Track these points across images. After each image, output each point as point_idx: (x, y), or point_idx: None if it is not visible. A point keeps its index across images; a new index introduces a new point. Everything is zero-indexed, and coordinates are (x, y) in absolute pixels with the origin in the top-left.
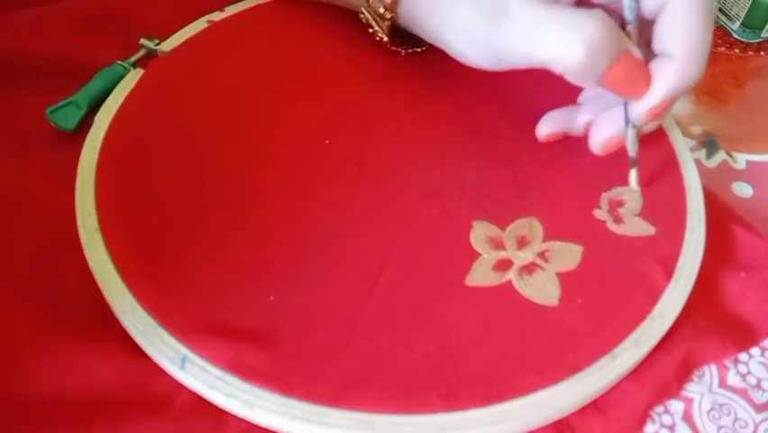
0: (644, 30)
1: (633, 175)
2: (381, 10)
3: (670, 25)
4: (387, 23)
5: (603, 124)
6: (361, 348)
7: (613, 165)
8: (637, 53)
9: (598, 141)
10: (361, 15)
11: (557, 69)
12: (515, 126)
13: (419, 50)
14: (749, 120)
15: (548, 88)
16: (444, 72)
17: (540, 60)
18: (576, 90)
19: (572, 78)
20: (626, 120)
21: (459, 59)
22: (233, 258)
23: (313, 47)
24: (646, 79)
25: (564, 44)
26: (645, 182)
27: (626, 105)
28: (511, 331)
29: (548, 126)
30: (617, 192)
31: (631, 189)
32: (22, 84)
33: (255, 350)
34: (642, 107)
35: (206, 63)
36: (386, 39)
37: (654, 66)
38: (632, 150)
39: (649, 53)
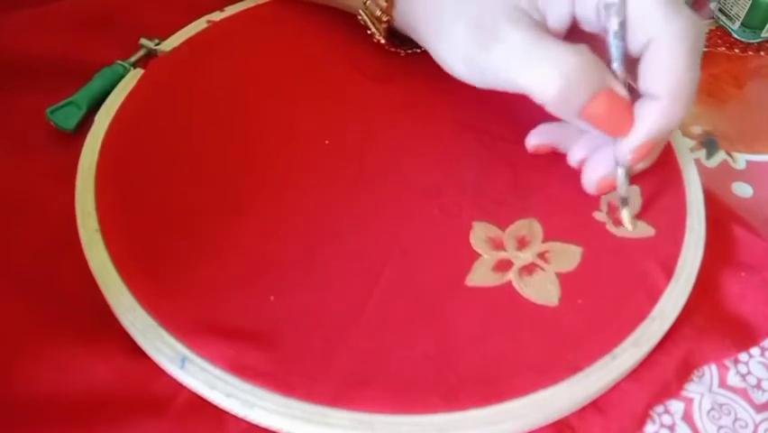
0: (631, 69)
1: (625, 214)
2: (378, 13)
3: (654, 65)
4: (383, 26)
5: (595, 163)
6: (361, 348)
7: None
8: (621, 91)
9: (591, 181)
10: (359, 18)
11: (535, 98)
12: (515, 128)
13: (419, 50)
14: (749, 120)
15: None
16: (445, 73)
17: (520, 88)
18: None
19: (550, 109)
20: (616, 159)
21: (447, 71)
22: (233, 258)
23: (313, 47)
24: (629, 118)
25: (541, 76)
26: (645, 182)
27: (615, 143)
28: (511, 331)
29: (538, 138)
30: (616, 195)
31: (626, 227)
32: (22, 84)
33: (255, 350)
34: (626, 147)
35: (206, 63)
36: (383, 41)
37: (639, 106)
38: (621, 189)
39: (635, 93)
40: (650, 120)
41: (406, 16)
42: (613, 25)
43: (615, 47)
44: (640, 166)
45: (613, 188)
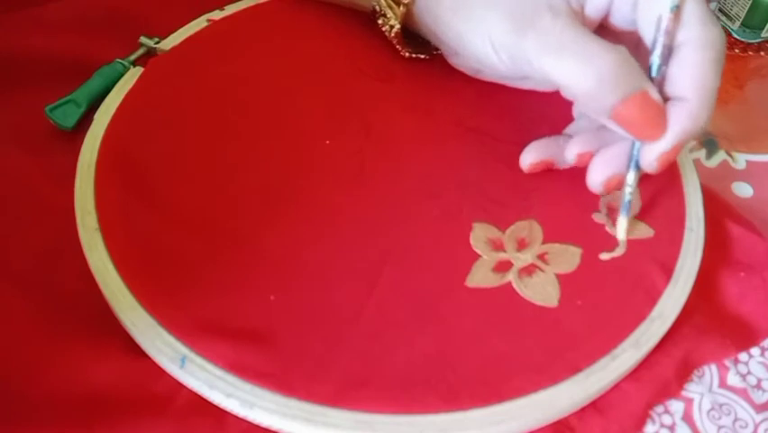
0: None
1: (621, 224)
2: None
3: (684, 68)
4: (402, 10)
5: (604, 161)
6: (361, 348)
7: None
8: (655, 96)
9: (598, 180)
10: (375, 4)
11: (566, 93)
12: (516, 129)
13: (422, 56)
14: (749, 120)
15: (549, 94)
16: (446, 74)
17: (552, 80)
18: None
19: (581, 107)
20: (631, 161)
21: (464, 59)
22: (233, 258)
23: (313, 46)
24: (662, 122)
25: (575, 71)
26: (644, 183)
27: (633, 145)
28: (511, 332)
29: (533, 155)
30: (615, 197)
31: (619, 241)
32: (22, 82)
33: (255, 350)
34: (655, 151)
35: (206, 62)
36: (397, 28)
37: (667, 110)
38: (628, 194)
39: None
40: (681, 123)
41: (429, 2)
42: (665, 27)
43: (659, 53)
44: (653, 168)
45: (619, 188)
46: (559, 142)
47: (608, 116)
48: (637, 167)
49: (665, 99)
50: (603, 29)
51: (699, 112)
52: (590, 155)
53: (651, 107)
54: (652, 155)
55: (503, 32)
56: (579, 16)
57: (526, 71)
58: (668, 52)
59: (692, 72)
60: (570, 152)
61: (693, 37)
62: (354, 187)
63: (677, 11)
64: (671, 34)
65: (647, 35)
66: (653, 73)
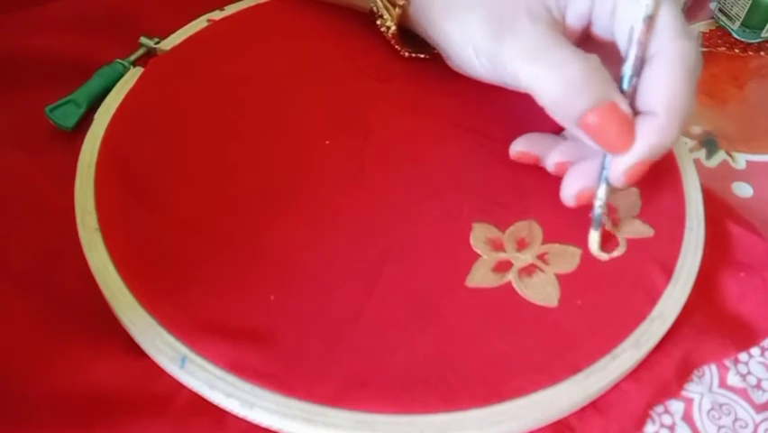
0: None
1: (593, 238)
2: None
3: (654, 81)
4: (398, 12)
5: (575, 175)
6: (360, 348)
7: None
8: (624, 107)
9: (570, 193)
10: (372, 5)
11: (536, 99)
12: (515, 129)
13: (422, 56)
14: (749, 120)
15: None
16: (446, 74)
17: (523, 86)
18: None
19: (551, 114)
20: (600, 174)
21: (455, 62)
22: (233, 258)
23: (313, 46)
24: (630, 134)
25: (543, 77)
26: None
27: (603, 159)
28: (511, 332)
29: (522, 146)
30: (615, 197)
31: (591, 251)
32: (22, 82)
33: (255, 350)
34: (622, 164)
35: (206, 62)
36: (393, 29)
37: (636, 123)
38: (598, 208)
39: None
40: (648, 137)
41: (422, 1)
42: (637, 38)
43: (630, 64)
44: (621, 185)
45: (590, 202)
46: (552, 141)
47: (575, 125)
48: (607, 181)
49: (636, 112)
50: (588, 39)
51: (667, 127)
52: (567, 166)
53: (618, 119)
54: (619, 169)
55: (482, 35)
56: (559, 25)
57: (505, 78)
58: (640, 64)
59: (662, 86)
60: (549, 160)
61: (665, 50)
62: (354, 187)
63: (649, 21)
64: (643, 45)
65: (623, 46)
66: (625, 85)
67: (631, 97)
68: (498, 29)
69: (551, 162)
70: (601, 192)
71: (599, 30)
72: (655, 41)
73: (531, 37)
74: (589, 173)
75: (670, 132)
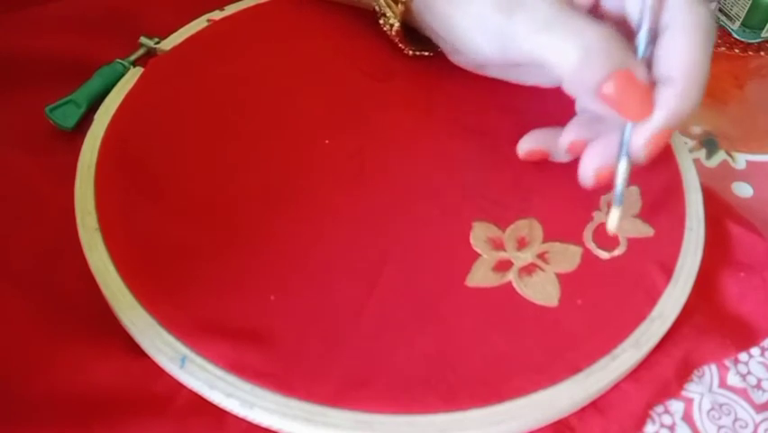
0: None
1: (613, 215)
2: None
3: (671, 48)
4: (401, 8)
5: (595, 152)
6: (361, 348)
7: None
8: (641, 74)
9: (589, 170)
10: (374, 3)
11: (553, 71)
12: (516, 128)
13: (426, 54)
14: (749, 120)
15: (549, 92)
16: (446, 73)
17: (539, 59)
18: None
19: (567, 86)
20: (621, 149)
21: (460, 48)
22: (233, 258)
23: (313, 46)
24: (649, 101)
25: (560, 48)
26: (644, 182)
27: (623, 133)
28: (511, 332)
29: (529, 143)
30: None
31: (610, 229)
32: (22, 82)
33: (255, 350)
34: (644, 133)
35: (206, 62)
36: (397, 26)
37: (654, 91)
38: (620, 184)
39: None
40: (668, 104)
41: None
42: (650, 4)
43: (645, 31)
44: (643, 157)
45: (611, 181)
46: (557, 134)
47: (594, 94)
48: (628, 155)
49: (654, 82)
50: (596, 14)
51: (687, 92)
52: (583, 144)
53: (636, 85)
54: (641, 139)
55: (491, 15)
56: (568, 0)
57: (516, 57)
58: (653, 33)
59: (679, 52)
60: (563, 139)
61: (680, 18)
62: (354, 187)
63: None
64: (656, 12)
65: (634, 18)
66: (640, 53)
67: (647, 66)
68: (507, 5)
69: (565, 141)
70: (622, 168)
71: (609, 5)
72: (670, 9)
73: (542, 9)
74: (608, 150)
75: (688, 97)
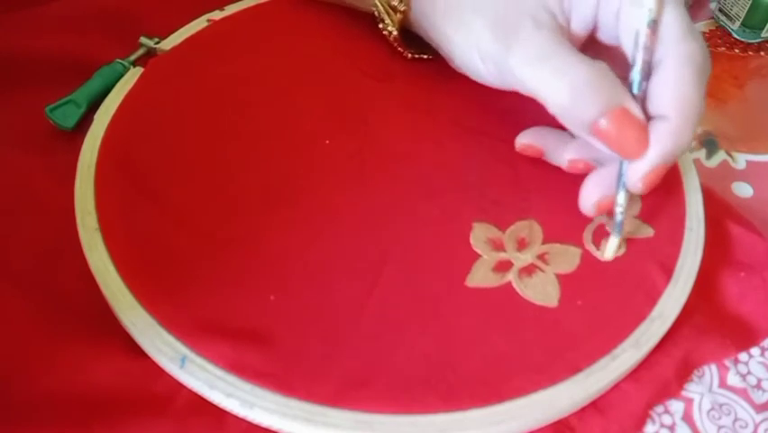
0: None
1: (611, 243)
2: (395, 2)
3: (664, 85)
4: (399, 17)
5: (594, 183)
6: (361, 348)
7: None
8: (636, 112)
9: (590, 203)
10: (374, 9)
11: (546, 107)
12: (515, 129)
13: (425, 56)
14: (749, 120)
15: None
16: (446, 74)
17: (532, 93)
18: None
19: (561, 121)
20: (619, 181)
21: (459, 65)
22: (233, 258)
23: (313, 46)
24: (644, 139)
25: (552, 84)
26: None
27: (621, 164)
28: (511, 332)
29: (528, 138)
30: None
31: (606, 257)
32: (22, 82)
33: (255, 350)
34: (639, 171)
35: (206, 62)
36: (395, 33)
37: (649, 128)
38: (619, 214)
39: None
40: (663, 142)
41: (423, 6)
42: (643, 42)
43: (638, 69)
44: (639, 189)
45: (611, 209)
46: (558, 136)
47: (588, 132)
48: (626, 187)
49: (648, 118)
50: (593, 45)
51: (681, 130)
52: (583, 163)
53: (631, 123)
54: (636, 176)
55: (488, 41)
56: (564, 31)
57: (512, 83)
58: (648, 68)
59: (673, 89)
60: (564, 156)
61: (672, 53)
62: (354, 187)
63: (654, 26)
64: (649, 50)
65: (629, 50)
66: (634, 90)
67: (641, 102)
68: (504, 35)
69: (565, 159)
70: (621, 198)
71: (604, 35)
72: (662, 44)
73: (536, 43)
74: (608, 181)
75: (683, 135)
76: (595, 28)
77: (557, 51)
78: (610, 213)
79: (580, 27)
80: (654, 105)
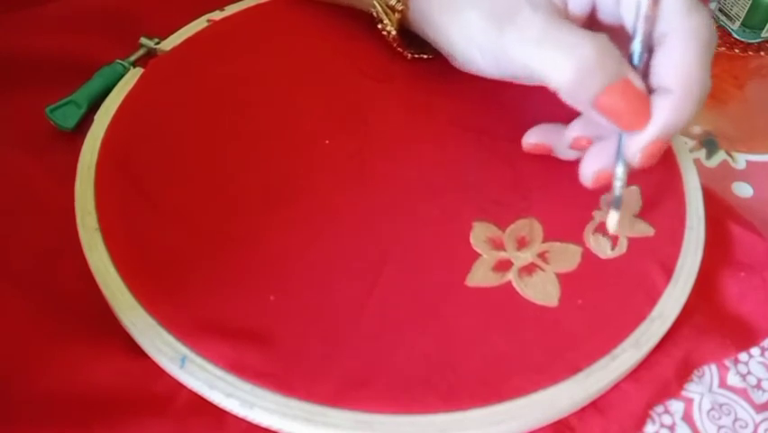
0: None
1: (612, 218)
2: (393, 2)
3: (669, 57)
4: (397, 16)
5: (594, 154)
6: (361, 348)
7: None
8: (638, 83)
9: (588, 172)
10: (372, 9)
11: (549, 84)
12: (515, 128)
13: (425, 56)
14: (749, 120)
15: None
16: (445, 74)
17: (534, 73)
18: None
19: (565, 97)
20: (618, 154)
21: (460, 62)
22: (233, 258)
23: (313, 46)
24: (645, 111)
25: (556, 61)
26: (644, 182)
27: (620, 138)
28: (511, 332)
29: (535, 137)
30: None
31: (607, 232)
32: (22, 82)
33: (255, 350)
34: (638, 143)
35: (206, 62)
36: (394, 33)
37: (651, 101)
38: (618, 188)
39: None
40: (664, 115)
41: (420, 4)
42: (644, 13)
43: (639, 40)
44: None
45: (609, 182)
46: (563, 130)
47: (590, 106)
48: (624, 160)
49: (650, 91)
50: (592, 26)
51: (683, 104)
52: (587, 141)
53: (633, 95)
54: (635, 147)
55: (483, 32)
56: (561, 13)
57: (511, 72)
58: (649, 40)
59: (676, 63)
60: (567, 134)
61: (677, 27)
62: (354, 187)
63: None
64: (650, 19)
65: (630, 26)
66: (635, 61)
67: (642, 75)
68: (499, 22)
69: (569, 136)
70: (619, 172)
71: (604, 14)
72: (667, 19)
73: (535, 24)
74: (607, 153)
75: (685, 109)
76: (594, 8)
77: (557, 29)
78: (609, 187)
79: (578, 8)
80: (658, 79)
